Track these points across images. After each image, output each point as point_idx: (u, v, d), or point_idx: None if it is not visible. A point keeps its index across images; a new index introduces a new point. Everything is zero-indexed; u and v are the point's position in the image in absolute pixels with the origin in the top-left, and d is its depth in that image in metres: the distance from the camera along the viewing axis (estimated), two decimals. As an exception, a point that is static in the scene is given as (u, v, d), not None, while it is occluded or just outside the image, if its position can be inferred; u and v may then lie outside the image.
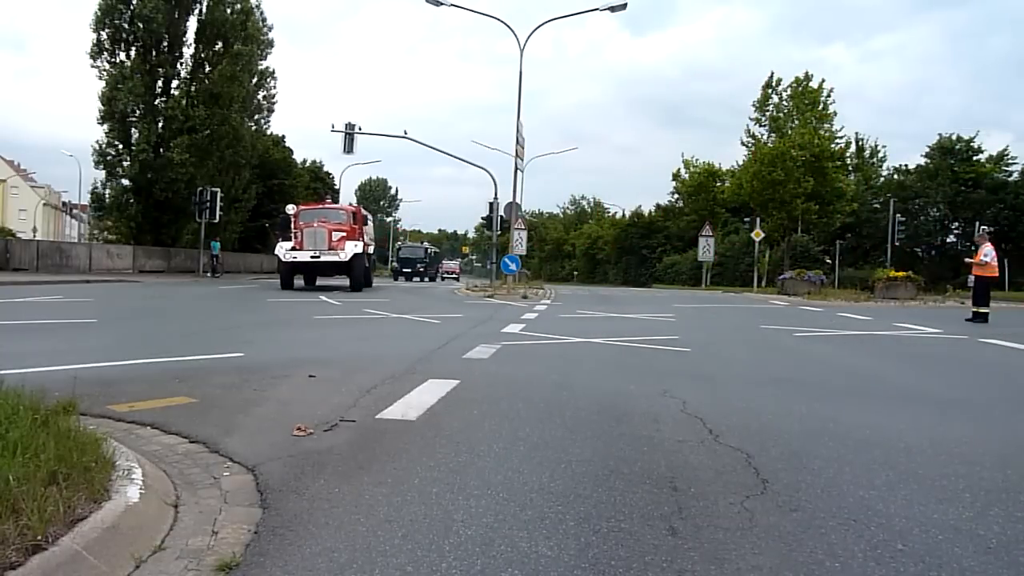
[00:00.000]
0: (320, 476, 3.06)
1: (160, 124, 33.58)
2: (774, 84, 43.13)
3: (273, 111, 40.68)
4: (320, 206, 24.83)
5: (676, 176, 53.55)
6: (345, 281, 23.29)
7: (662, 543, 2.40)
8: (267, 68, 39.02)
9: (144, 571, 2.16)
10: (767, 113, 43.52)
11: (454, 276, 61.69)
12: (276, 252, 21.65)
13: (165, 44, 34.14)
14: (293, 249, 21.11)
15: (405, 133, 30.34)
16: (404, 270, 46.70)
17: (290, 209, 22.59)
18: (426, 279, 47.84)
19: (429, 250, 53.57)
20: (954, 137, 43.03)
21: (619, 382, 5.81)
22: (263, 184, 42.99)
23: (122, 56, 33.40)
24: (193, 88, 34.82)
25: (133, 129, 33.38)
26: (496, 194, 30.01)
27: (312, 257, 20.91)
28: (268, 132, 43.55)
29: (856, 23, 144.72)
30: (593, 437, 3.85)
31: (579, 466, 3.29)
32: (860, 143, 51.54)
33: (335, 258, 21.05)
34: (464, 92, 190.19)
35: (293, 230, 21.57)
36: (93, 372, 5.37)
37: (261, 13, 37.48)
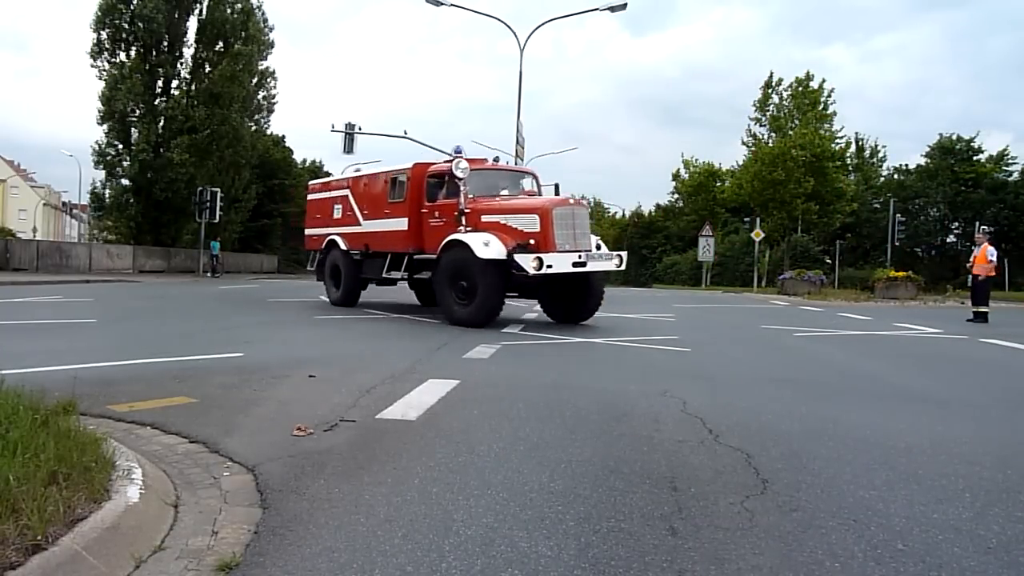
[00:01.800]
0: (320, 476, 3.06)
1: (160, 124, 33.58)
2: (774, 84, 43.13)
3: (273, 111, 40.65)
4: (497, 166, 13.39)
5: (676, 176, 53.54)
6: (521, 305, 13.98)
7: (662, 543, 2.40)
8: (267, 68, 39.00)
9: (144, 571, 2.16)
10: (768, 113, 43.52)
11: None
12: (482, 254, 10.14)
13: (165, 44, 34.16)
14: (521, 248, 10.14)
15: (405, 133, 30.31)
16: None
17: (460, 170, 10.90)
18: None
19: None
20: (954, 137, 43.08)
21: (619, 382, 5.82)
22: (263, 184, 43.02)
23: (122, 56, 33.42)
24: (193, 88, 34.82)
25: (133, 129, 33.40)
26: (496, 194, 29.93)
27: (575, 264, 10.29)
28: (268, 132, 43.55)
29: (856, 23, 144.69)
30: (593, 437, 3.85)
31: (579, 466, 3.29)
32: (860, 143, 51.55)
33: (608, 265, 10.99)
34: (464, 92, 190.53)
35: (464, 209, 10.90)
36: (93, 372, 5.38)
37: (262, 13, 37.52)
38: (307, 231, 15.86)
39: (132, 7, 32.70)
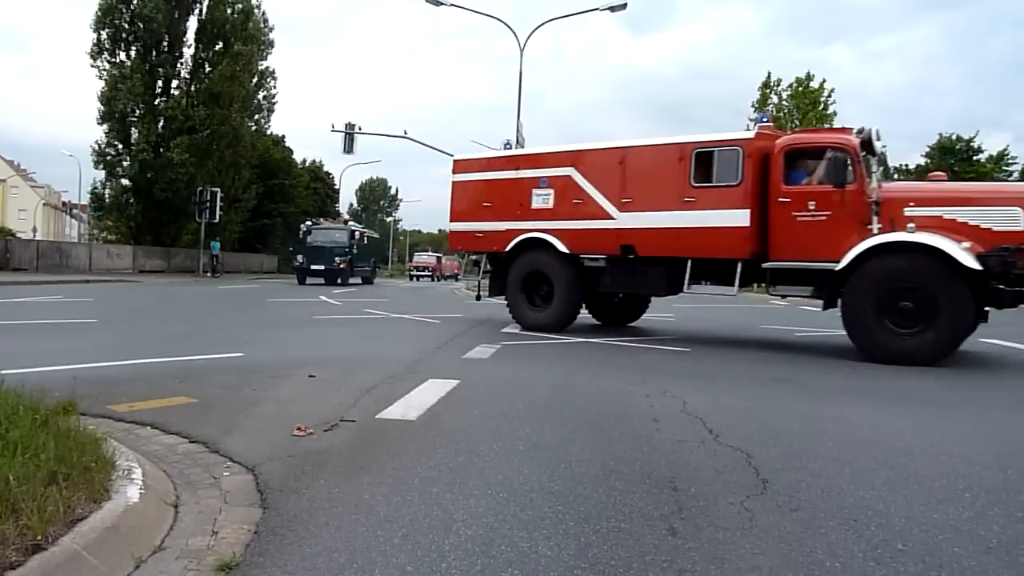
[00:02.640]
0: (320, 476, 3.05)
1: (160, 124, 33.61)
2: (772, 84, 43.10)
3: (273, 111, 40.70)
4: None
5: (676, 176, 53.45)
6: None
7: (662, 543, 2.40)
8: (267, 68, 39.05)
9: (144, 571, 2.16)
10: (767, 113, 43.49)
11: (430, 275, 50.66)
12: (969, 262, 7.28)
13: (165, 44, 34.19)
14: (1010, 252, 7.33)
15: (405, 133, 30.30)
16: (313, 267, 28.94)
17: (878, 139, 8.52)
18: (354, 280, 30.30)
19: (358, 235, 31.88)
20: (954, 137, 43.07)
21: (619, 382, 5.82)
22: (263, 184, 43.02)
23: (122, 56, 33.46)
24: (193, 88, 34.85)
25: (133, 129, 33.42)
26: (496, 194, 29.85)
27: None
28: (268, 132, 43.58)
29: (856, 23, 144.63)
30: (593, 437, 3.85)
31: (579, 466, 3.29)
32: (860, 143, 51.48)
33: None
34: (464, 92, 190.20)
35: (876, 199, 7.96)
36: (93, 372, 5.38)
37: (262, 13, 37.56)
38: (457, 225, 11.61)
39: (132, 7, 32.73)
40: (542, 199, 10.44)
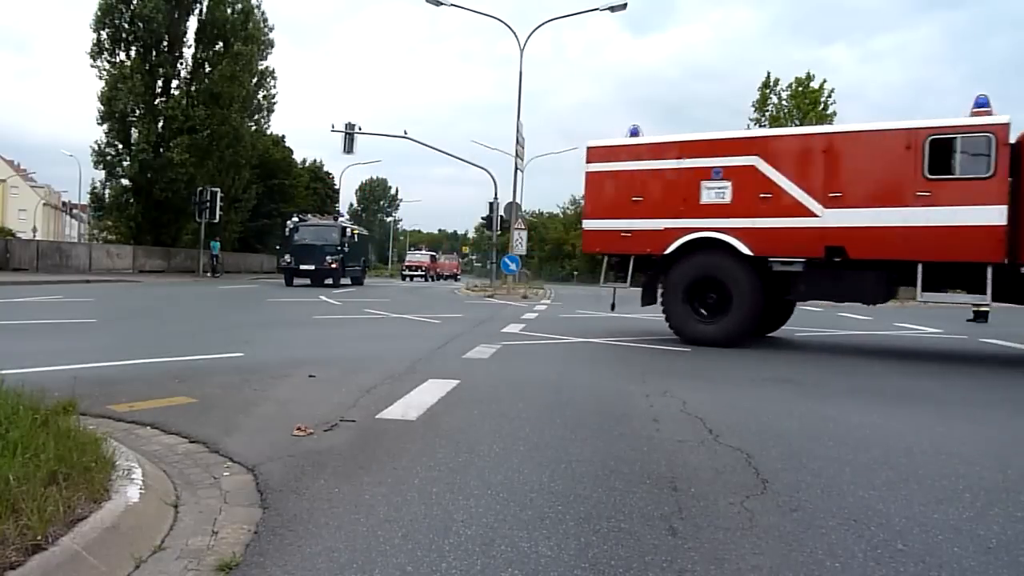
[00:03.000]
0: (320, 476, 3.05)
1: (160, 124, 33.59)
2: (772, 84, 43.13)
3: (273, 111, 40.61)
4: None
5: (676, 176, 53.39)
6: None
7: (662, 543, 2.40)
8: (267, 68, 38.99)
9: (144, 571, 2.16)
10: (767, 113, 43.49)
11: (423, 274, 49.99)
12: None
13: (165, 44, 34.18)
14: None
15: (405, 133, 30.34)
16: (302, 267, 26.43)
17: None
18: (344, 281, 27.91)
19: (349, 231, 28.99)
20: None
21: (619, 382, 5.82)
22: (263, 184, 43.01)
23: (122, 56, 33.44)
24: (193, 88, 34.83)
25: (133, 129, 33.39)
26: (496, 194, 30.08)
27: None
28: (268, 132, 43.52)
29: (856, 23, 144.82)
30: (593, 437, 3.85)
31: (579, 466, 3.29)
32: (860, 143, 51.43)
33: None
34: (464, 92, 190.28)
35: None
36: (93, 372, 5.38)
37: (262, 13, 37.55)
38: (595, 223, 9.91)
39: (132, 7, 32.71)
40: (716, 193, 8.92)
